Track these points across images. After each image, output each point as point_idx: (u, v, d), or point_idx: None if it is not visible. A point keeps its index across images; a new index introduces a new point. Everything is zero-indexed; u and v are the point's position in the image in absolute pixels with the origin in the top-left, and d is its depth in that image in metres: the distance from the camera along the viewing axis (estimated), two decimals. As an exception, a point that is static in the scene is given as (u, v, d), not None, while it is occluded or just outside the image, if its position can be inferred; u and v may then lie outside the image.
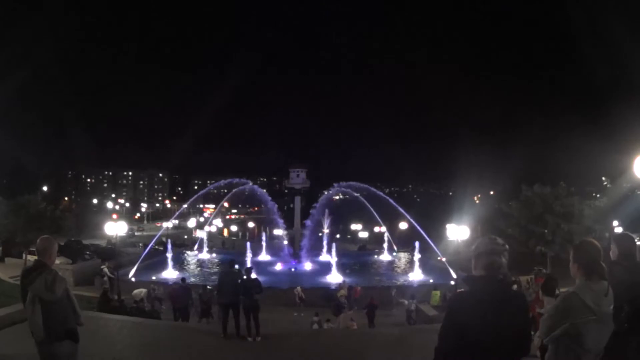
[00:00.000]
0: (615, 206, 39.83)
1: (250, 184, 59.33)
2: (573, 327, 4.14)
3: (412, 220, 52.43)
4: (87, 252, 51.32)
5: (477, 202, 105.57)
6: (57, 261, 33.05)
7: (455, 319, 3.76)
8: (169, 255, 43.42)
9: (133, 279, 35.99)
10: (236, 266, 14.66)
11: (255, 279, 14.08)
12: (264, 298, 15.18)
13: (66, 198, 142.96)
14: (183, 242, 69.14)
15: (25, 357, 6.51)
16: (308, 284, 34.92)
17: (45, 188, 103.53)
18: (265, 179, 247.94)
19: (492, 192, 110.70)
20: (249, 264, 36.44)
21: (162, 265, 42.85)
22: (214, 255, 54.90)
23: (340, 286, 28.71)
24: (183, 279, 27.38)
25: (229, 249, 66.46)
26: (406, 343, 13.27)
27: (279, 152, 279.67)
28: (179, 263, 45.50)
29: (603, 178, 68.57)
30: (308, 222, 54.44)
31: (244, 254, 44.84)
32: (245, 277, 13.98)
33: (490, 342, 3.61)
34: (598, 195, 45.23)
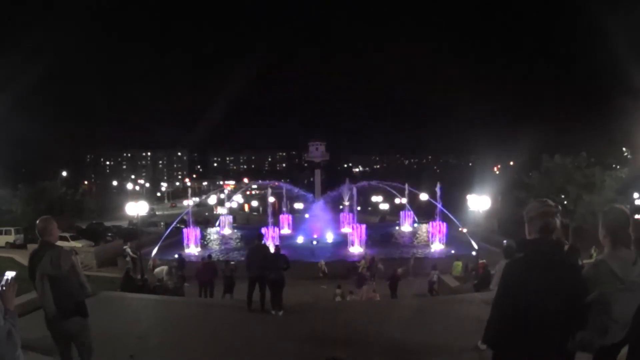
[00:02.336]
0: (636, 177, 39.29)
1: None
2: (601, 296, 4.02)
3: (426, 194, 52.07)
4: (109, 234, 51.75)
5: (497, 172, 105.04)
6: (79, 244, 33.54)
7: (511, 286, 3.70)
8: (191, 232, 43.67)
9: (156, 259, 36.20)
10: (263, 240, 14.81)
11: (284, 254, 14.14)
12: (288, 271, 15.32)
13: (86, 182, 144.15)
14: (204, 219, 69.44)
15: (49, 340, 6.55)
16: (330, 257, 34.95)
17: (64, 173, 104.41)
18: (284, 154, 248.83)
19: (511, 163, 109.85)
20: (271, 239, 36.83)
21: (184, 243, 43.12)
22: (235, 231, 55.06)
23: (363, 257, 28.65)
24: (209, 256, 27.43)
25: (244, 223, 66.61)
26: (428, 313, 13.28)
27: (298, 126, 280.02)
28: (201, 240, 45.57)
29: (624, 149, 67.59)
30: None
31: (260, 228, 44.92)
32: (273, 252, 14.17)
33: (547, 309, 3.53)
34: (618, 167, 44.48)
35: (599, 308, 3.99)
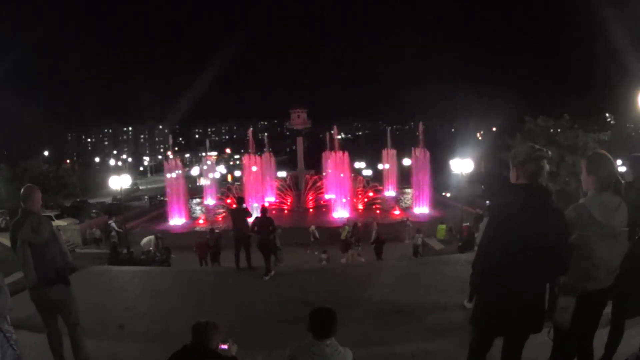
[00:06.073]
0: (619, 142, 39.41)
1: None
2: (580, 238, 4.08)
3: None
4: (94, 211, 51.44)
5: (480, 138, 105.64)
6: (64, 222, 33.35)
7: (499, 229, 3.76)
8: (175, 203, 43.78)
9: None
10: (243, 205, 15.37)
11: (270, 217, 14.41)
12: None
13: (68, 160, 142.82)
14: (188, 190, 69.12)
15: (36, 319, 6.59)
16: (315, 223, 35.08)
17: (46, 153, 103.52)
18: (266, 123, 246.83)
19: (494, 129, 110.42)
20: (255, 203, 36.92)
21: (169, 215, 43.14)
22: (219, 201, 54.96)
23: (345, 224, 28.83)
24: (212, 230, 26.78)
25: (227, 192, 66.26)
26: (414, 274, 13.39)
27: (279, 94, 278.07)
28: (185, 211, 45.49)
29: (607, 114, 67.96)
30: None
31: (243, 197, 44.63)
32: (260, 214, 14.61)
33: (533, 252, 3.63)
34: (601, 133, 44.76)
35: (580, 252, 4.05)
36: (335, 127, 55.33)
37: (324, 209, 44.78)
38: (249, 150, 55.96)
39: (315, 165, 55.78)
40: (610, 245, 4.14)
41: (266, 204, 30.79)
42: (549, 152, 3.90)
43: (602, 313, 4.60)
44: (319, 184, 49.57)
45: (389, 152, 58.58)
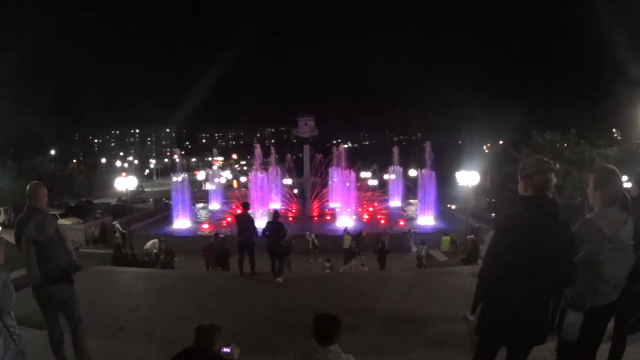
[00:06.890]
0: (626, 158, 39.25)
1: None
2: (590, 254, 4.07)
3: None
4: (98, 211, 51.44)
5: (487, 151, 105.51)
6: (69, 222, 33.26)
7: (506, 239, 3.78)
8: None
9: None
10: (248, 211, 15.51)
11: (281, 222, 14.49)
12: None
13: (74, 160, 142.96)
14: (193, 194, 69.08)
15: (37, 316, 6.58)
16: (319, 231, 35.00)
17: (53, 152, 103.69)
18: (273, 129, 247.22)
19: (501, 142, 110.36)
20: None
21: (174, 218, 43.20)
22: (224, 206, 54.87)
23: (348, 232, 28.83)
24: (217, 234, 26.46)
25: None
26: (417, 284, 13.41)
27: (287, 101, 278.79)
28: (189, 215, 45.49)
29: (614, 130, 67.72)
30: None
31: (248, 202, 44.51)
32: (272, 218, 14.73)
33: (538, 264, 3.63)
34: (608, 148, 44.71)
35: (589, 268, 4.05)
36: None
37: (328, 217, 44.74)
38: (254, 163, 55.90)
39: (321, 173, 55.73)
40: (619, 259, 4.14)
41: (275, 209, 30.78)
42: (557, 165, 3.89)
43: (606, 327, 4.61)
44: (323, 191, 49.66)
45: (395, 166, 58.46)
